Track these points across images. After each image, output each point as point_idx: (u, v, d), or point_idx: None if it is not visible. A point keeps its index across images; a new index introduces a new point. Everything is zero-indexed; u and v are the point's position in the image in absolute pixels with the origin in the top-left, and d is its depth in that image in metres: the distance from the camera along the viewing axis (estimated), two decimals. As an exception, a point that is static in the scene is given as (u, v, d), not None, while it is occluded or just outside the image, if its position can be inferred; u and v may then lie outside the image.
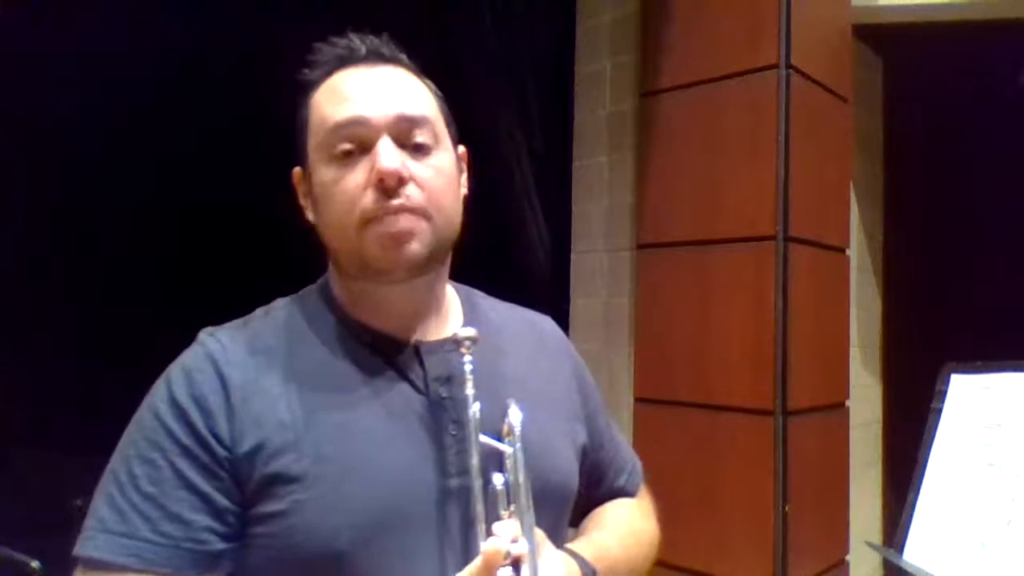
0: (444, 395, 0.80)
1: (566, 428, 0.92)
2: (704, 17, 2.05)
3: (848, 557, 2.13)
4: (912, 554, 0.98)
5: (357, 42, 0.82)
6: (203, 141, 2.81)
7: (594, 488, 0.99)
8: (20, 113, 2.35)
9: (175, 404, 0.74)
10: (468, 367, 0.78)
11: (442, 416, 0.79)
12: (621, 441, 1.07)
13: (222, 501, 0.73)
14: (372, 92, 0.79)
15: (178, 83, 2.68)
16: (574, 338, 2.29)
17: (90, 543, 0.72)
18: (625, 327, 2.17)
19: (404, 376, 0.81)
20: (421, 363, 0.82)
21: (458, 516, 0.77)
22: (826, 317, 2.08)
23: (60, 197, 2.63)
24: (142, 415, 0.77)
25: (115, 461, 0.75)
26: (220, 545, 0.73)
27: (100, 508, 0.73)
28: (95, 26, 2.39)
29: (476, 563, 0.70)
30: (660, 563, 2.10)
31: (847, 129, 2.20)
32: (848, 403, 2.18)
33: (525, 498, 0.75)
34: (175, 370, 0.78)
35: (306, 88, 0.83)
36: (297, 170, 0.84)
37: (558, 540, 0.84)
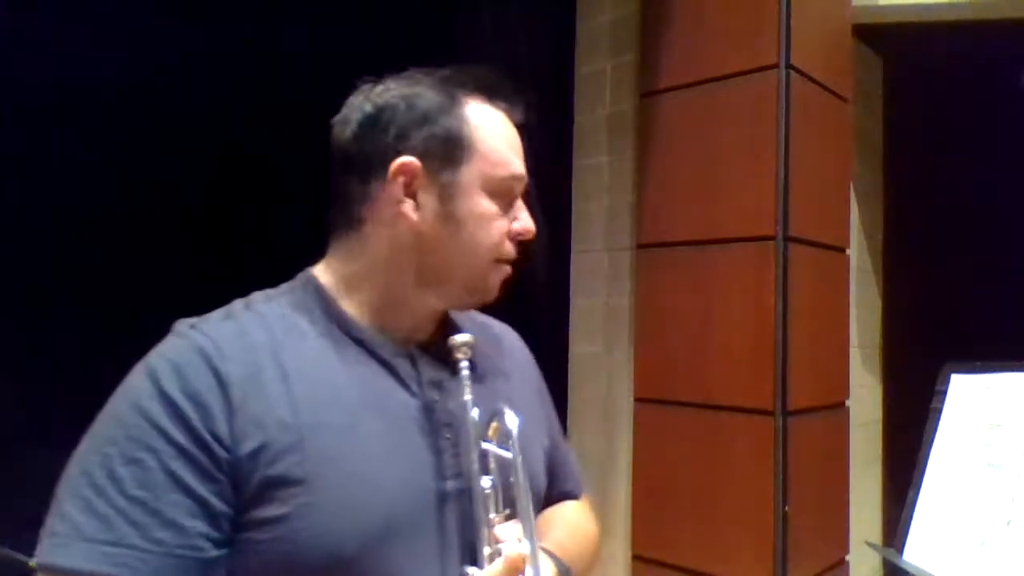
0: (436, 399, 0.82)
1: (539, 432, 0.97)
2: (704, 17, 2.05)
3: (848, 557, 2.13)
4: (912, 554, 0.98)
5: (498, 78, 0.89)
6: (208, 150, 2.80)
7: (550, 490, 1.02)
8: (20, 113, 2.35)
9: (167, 401, 0.70)
10: (465, 372, 0.80)
11: (435, 420, 0.81)
12: (567, 447, 1.11)
13: (219, 505, 0.69)
14: (521, 151, 0.89)
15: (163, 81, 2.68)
16: (574, 338, 2.30)
17: (62, 551, 0.67)
18: (625, 327, 2.17)
19: (399, 379, 0.81)
20: (415, 367, 0.83)
21: (455, 519, 0.78)
22: (826, 317, 2.08)
23: (60, 197, 2.63)
24: (120, 411, 0.72)
25: (86, 460, 0.70)
26: (214, 552, 0.69)
27: (72, 513, 0.67)
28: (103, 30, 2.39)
29: (496, 566, 0.72)
30: (660, 563, 2.11)
31: (847, 129, 2.20)
32: (848, 403, 2.18)
33: (525, 501, 0.76)
34: (159, 363, 0.73)
35: (451, 98, 0.84)
36: (416, 163, 0.81)
37: None
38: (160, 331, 0.79)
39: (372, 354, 0.81)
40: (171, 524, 0.67)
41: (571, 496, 1.06)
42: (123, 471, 0.68)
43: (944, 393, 1.05)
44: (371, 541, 0.72)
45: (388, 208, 0.81)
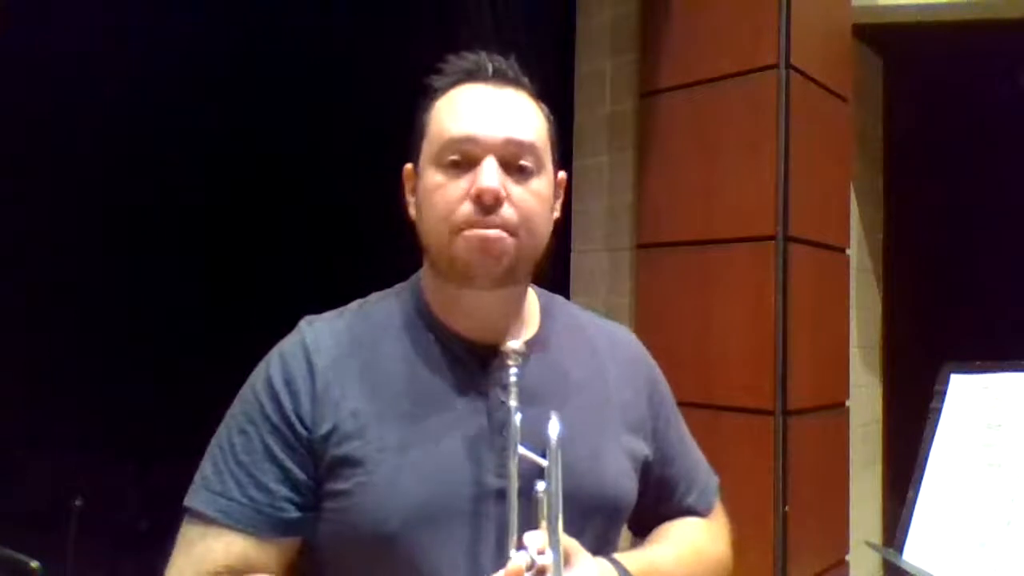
0: (503, 400, 0.84)
1: (623, 441, 0.92)
2: (704, 17, 2.05)
3: (848, 557, 2.13)
4: (912, 554, 0.98)
5: (485, 60, 0.88)
6: (212, 142, 2.81)
7: (661, 504, 0.99)
8: (19, 112, 2.35)
9: (270, 385, 0.83)
10: (513, 378, 0.82)
11: (498, 420, 0.84)
12: (697, 459, 1.06)
13: (300, 475, 0.81)
14: (489, 112, 0.84)
15: (190, 81, 2.68)
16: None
17: (196, 496, 0.82)
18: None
19: (472, 379, 0.86)
20: (487, 369, 0.86)
21: (496, 515, 0.81)
22: (826, 317, 2.08)
23: (59, 198, 2.63)
24: (244, 392, 0.86)
25: (223, 427, 0.85)
26: (295, 514, 0.81)
27: (206, 467, 0.83)
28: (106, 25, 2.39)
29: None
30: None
31: (847, 129, 2.20)
32: (848, 403, 2.18)
33: (555, 510, 0.77)
34: (275, 354, 0.86)
35: (431, 94, 0.89)
36: (409, 167, 0.90)
37: (607, 551, 0.86)
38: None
39: (452, 354, 0.87)
40: (262, 486, 0.80)
41: (693, 512, 1.02)
42: (237, 439, 0.83)
43: (943, 393, 1.05)
44: (410, 522, 0.78)
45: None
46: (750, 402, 1.89)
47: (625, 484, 0.91)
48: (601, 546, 0.85)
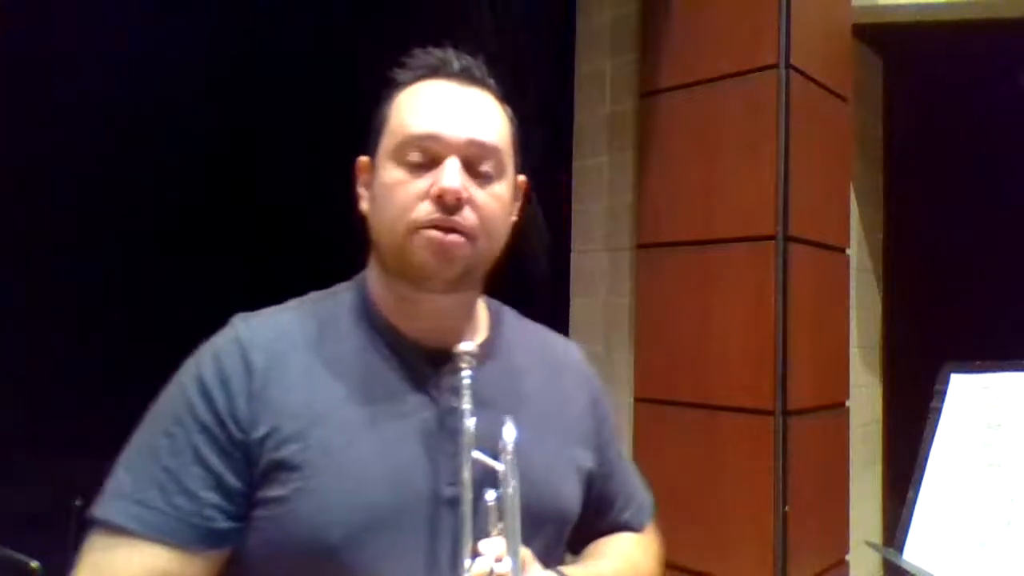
0: (454, 405, 0.81)
1: (572, 452, 0.92)
2: (704, 17, 2.05)
3: (848, 557, 2.13)
4: (912, 554, 0.98)
5: (451, 56, 0.84)
6: (203, 142, 2.81)
7: (599, 518, 0.98)
8: (19, 112, 2.35)
9: (201, 384, 0.77)
10: (465, 381, 0.79)
11: (449, 426, 0.80)
12: (633, 476, 1.06)
13: (232, 481, 0.75)
14: (452, 110, 0.81)
15: (177, 84, 2.68)
16: (574, 338, 2.29)
17: (107, 506, 0.74)
18: (625, 327, 2.17)
19: (421, 382, 0.82)
20: (438, 371, 0.83)
21: (449, 525, 0.78)
22: (826, 317, 2.08)
23: (59, 198, 2.63)
24: (169, 390, 0.80)
25: (141, 430, 0.78)
26: (225, 524, 0.75)
27: (121, 474, 0.76)
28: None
29: None
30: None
31: (847, 129, 2.20)
32: (848, 403, 2.18)
33: (512, 517, 0.75)
34: (205, 350, 0.81)
35: (392, 87, 0.85)
36: (364, 159, 0.86)
37: (553, 563, 0.84)
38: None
39: (399, 356, 0.83)
40: (188, 493, 0.74)
41: (628, 527, 1.01)
42: (160, 442, 0.76)
43: (944, 393, 1.05)
44: (355, 532, 0.74)
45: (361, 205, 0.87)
46: (750, 402, 1.89)
47: (573, 495, 0.90)
48: (548, 558, 0.83)
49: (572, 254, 2.33)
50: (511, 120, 0.88)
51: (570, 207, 2.33)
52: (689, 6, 2.09)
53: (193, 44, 2.58)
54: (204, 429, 0.75)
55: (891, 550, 1.01)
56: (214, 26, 2.51)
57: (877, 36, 2.35)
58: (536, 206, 2.37)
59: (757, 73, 1.93)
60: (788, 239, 1.88)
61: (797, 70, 1.93)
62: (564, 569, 0.85)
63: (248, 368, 0.78)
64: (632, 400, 2.13)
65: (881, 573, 2.21)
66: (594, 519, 0.97)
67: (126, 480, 0.75)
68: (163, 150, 2.76)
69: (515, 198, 0.89)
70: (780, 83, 1.89)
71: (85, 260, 2.66)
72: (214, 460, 0.75)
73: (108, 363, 2.56)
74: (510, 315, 0.98)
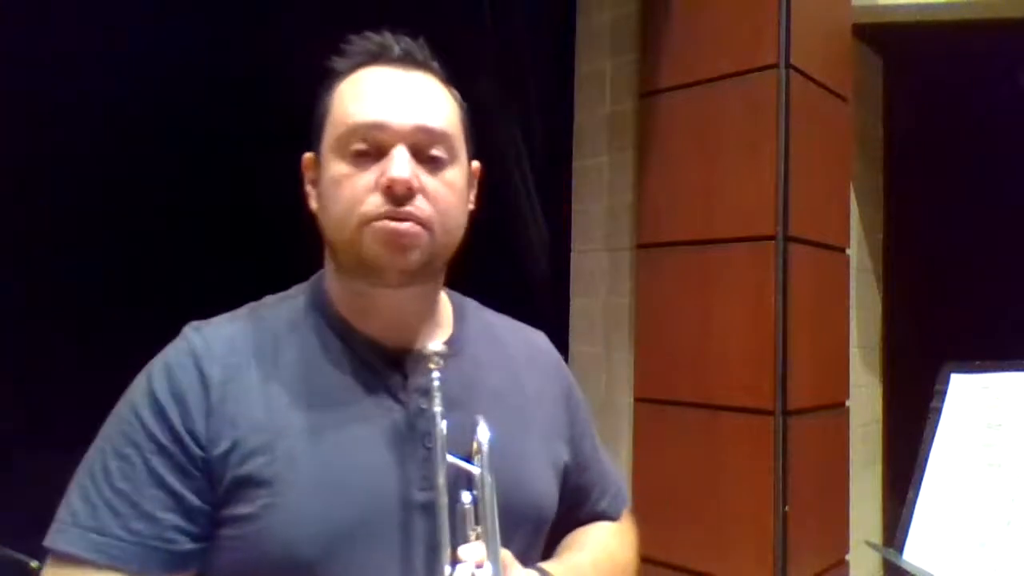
0: (423, 407, 0.78)
1: (546, 446, 0.90)
2: (704, 17, 2.05)
3: (848, 557, 2.13)
4: (912, 554, 0.98)
5: (391, 41, 0.81)
6: (202, 140, 2.80)
7: (575, 510, 0.97)
8: (19, 112, 2.35)
9: (154, 400, 0.73)
10: (436, 383, 0.77)
11: (419, 428, 0.78)
12: (607, 465, 1.04)
13: (194, 501, 0.72)
14: (397, 97, 0.78)
15: (177, 83, 2.68)
16: (574, 338, 2.30)
17: (60, 536, 0.71)
18: (625, 327, 2.17)
19: (386, 385, 0.79)
20: (404, 373, 0.80)
21: (425, 531, 0.75)
22: (826, 317, 2.08)
23: (59, 198, 2.63)
24: (120, 409, 0.76)
25: (91, 453, 0.75)
26: (189, 545, 0.72)
27: (73, 500, 0.72)
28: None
29: None
30: (660, 563, 2.11)
31: (847, 129, 2.20)
32: (848, 403, 2.18)
33: (491, 520, 0.74)
34: (157, 365, 0.77)
35: (332, 76, 0.82)
36: (309, 155, 0.83)
37: (532, 561, 0.83)
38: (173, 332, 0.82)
39: (361, 359, 0.80)
40: (146, 516, 0.70)
41: (605, 517, 1.00)
42: (113, 464, 0.72)
43: (944, 393, 1.05)
44: (329, 546, 0.72)
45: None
46: (750, 402, 1.89)
47: (549, 492, 0.88)
48: (527, 556, 0.82)
49: (572, 254, 2.33)
50: (460, 104, 0.85)
51: (570, 207, 2.33)
52: (689, 6, 2.09)
53: (194, 44, 2.58)
54: (160, 448, 0.72)
55: (891, 550, 1.01)
56: (215, 26, 2.50)
57: (877, 36, 2.35)
58: (535, 206, 2.37)
59: (757, 73, 1.93)
60: (788, 239, 1.88)
61: (797, 70, 1.93)
62: (544, 566, 0.83)
63: (204, 381, 0.74)
64: (632, 400, 2.13)
65: (881, 573, 2.21)
66: (571, 511, 0.96)
67: (80, 507, 0.71)
68: (163, 150, 2.76)
69: (470, 185, 0.86)
70: (780, 83, 1.89)
71: (85, 260, 2.66)
72: (172, 480, 0.71)
73: (108, 363, 2.55)
74: (473, 309, 0.95)
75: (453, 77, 0.87)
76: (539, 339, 1.00)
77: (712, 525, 1.93)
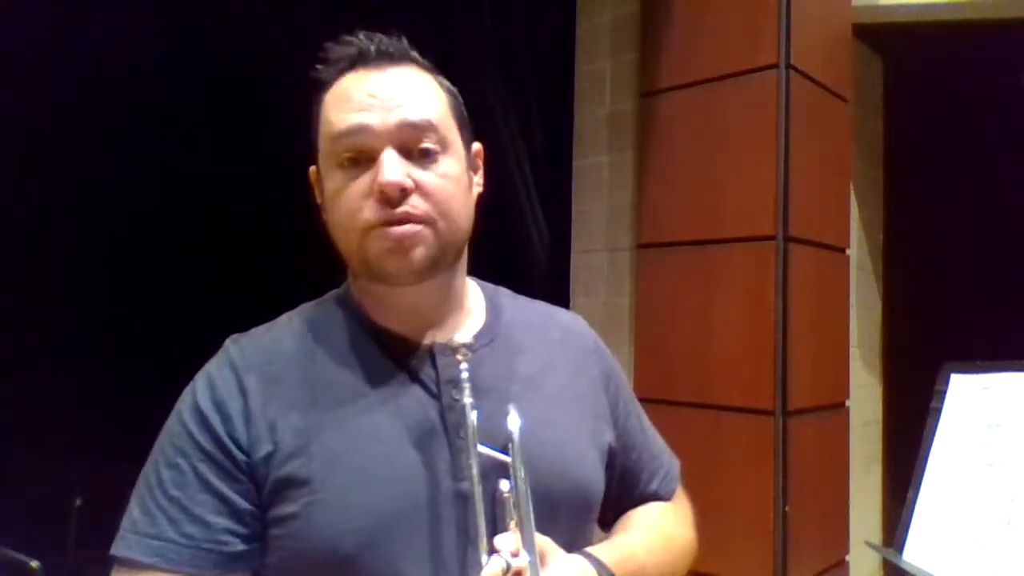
0: (456, 398, 0.79)
1: (588, 429, 0.89)
2: (704, 17, 2.05)
3: (848, 557, 2.13)
4: (912, 554, 0.98)
5: (366, 42, 0.81)
6: (210, 147, 2.80)
7: (627, 493, 0.97)
8: (19, 114, 2.35)
9: (198, 411, 0.77)
10: (464, 374, 0.77)
11: (453, 419, 0.79)
12: (658, 445, 1.04)
13: (242, 504, 0.75)
14: (377, 99, 0.78)
15: (182, 88, 2.68)
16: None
17: (122, 543, 0.75)
18: (625, 327, 2.17)
19: (417, 379, 0.81)
20: (434, 366, 0.81)
21: (461, 521, 0.76)
22: (826, 317, 2.08)
23: (59, 200, 2.63)
24: (169, 422, 0.80)
25: (148, 464, 0.79)
26: (240, 546, 0.75)
27: (133, 509, 0.77)
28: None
29: None
30: (660, 563, 2.09)
31: (847, 129, 2.20)
32: (848, 403, 2.18)
33: (525, 507, 0.74)
34: (200, 377, 0.81)
35: (318, 87, 0.83)
36: (313, 169, 0.85)
37: (581, 545, 0.83)
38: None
39: (392, 355, 0.82)
40: (198, 520, 0.74)
41: (656, 497, 1.00)
42: (165, 473, 0.76)
43: (944, 393, 1.04)
44: (369, 539, 0.74)
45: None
46: (750, 402, 1.89)
47: (593, 475, 0.87)
48: (575, 541, 0.82)
49: (572, 254, 2.33)
50: (448, 90, 0.84)
51: (570, 207, 2.33)
52: (689, 6, 2.09)
53: (195, 43, 2.58)
54: (206, 456, 0.75)
55: (891, 550, 1.01)
56: (216, 25, 2.50)
57: (877, 36, 2.35)
58: (535, 206, 2.37)
59: (757, 73, 1.93)
60: (788, 239, 1.88)
61: (797, 70, 1.93)
62: (591, 550, 0.83)
63: (243, 390, 0.78)
64: (632, 400, 2.13)
65: (881, 573, 2.21)
66: (620, 495, 0.96)
67: (138, 515, 0.76)
68: (164, 150, 2.76)
69: (472, 168, 0.86)
70: (780, 83, 1.89)
71: (85, 260, 2.66)
72: (220, 485, 0.75)
73: (108, 363, 2.56)
74: (506, 297, 0.95)
75: (453, 78, 0.87)
76: (575, 322, 1.00)
77: (712, 525, 1.92)
